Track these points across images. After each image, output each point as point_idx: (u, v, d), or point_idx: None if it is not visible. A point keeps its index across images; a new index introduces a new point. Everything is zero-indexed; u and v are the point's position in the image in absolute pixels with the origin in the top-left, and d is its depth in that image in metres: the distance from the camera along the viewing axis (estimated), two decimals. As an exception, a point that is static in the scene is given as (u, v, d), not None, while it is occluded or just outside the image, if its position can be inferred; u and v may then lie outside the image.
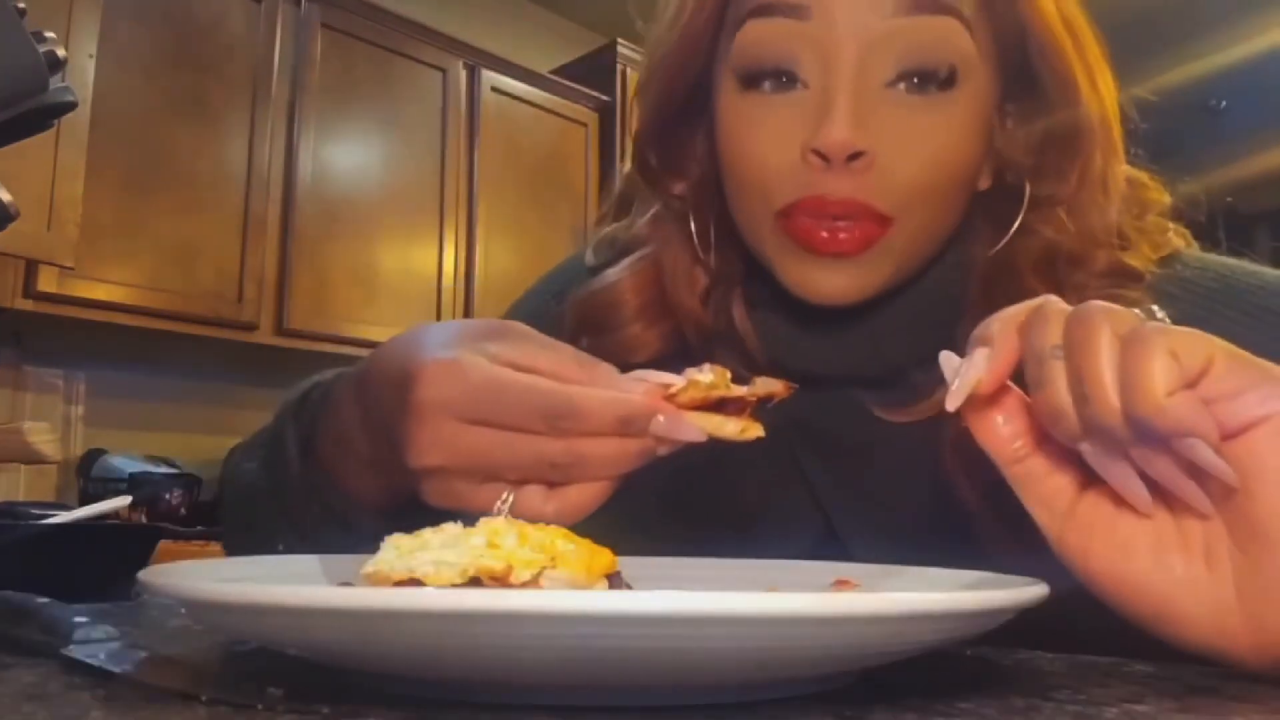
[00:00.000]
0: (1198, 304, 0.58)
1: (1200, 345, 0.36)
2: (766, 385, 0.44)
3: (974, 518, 0.55)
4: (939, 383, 0.60)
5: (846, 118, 0.54)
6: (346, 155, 2.95)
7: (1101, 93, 0.59)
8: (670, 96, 0.63)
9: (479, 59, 3.30)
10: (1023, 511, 0.54)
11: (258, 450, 0.61)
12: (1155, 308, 0.44)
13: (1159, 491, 0.38)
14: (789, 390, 0.45)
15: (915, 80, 0.55)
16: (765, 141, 0.57)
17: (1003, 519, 0.55)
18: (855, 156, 0.54)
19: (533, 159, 3.41)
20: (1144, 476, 0.38)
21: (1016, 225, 0.59)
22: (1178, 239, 0.62)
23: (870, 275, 0.57)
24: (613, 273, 0.67)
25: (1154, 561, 0.39)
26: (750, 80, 0.58)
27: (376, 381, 0.48)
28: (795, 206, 0.56)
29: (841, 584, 0.46)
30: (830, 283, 0.57)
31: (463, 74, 3.25)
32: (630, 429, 0.42)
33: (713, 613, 0.26)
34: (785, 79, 0.57)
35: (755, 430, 0.44)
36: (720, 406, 0.44)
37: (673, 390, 0.43)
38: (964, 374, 0.41)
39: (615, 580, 0.37)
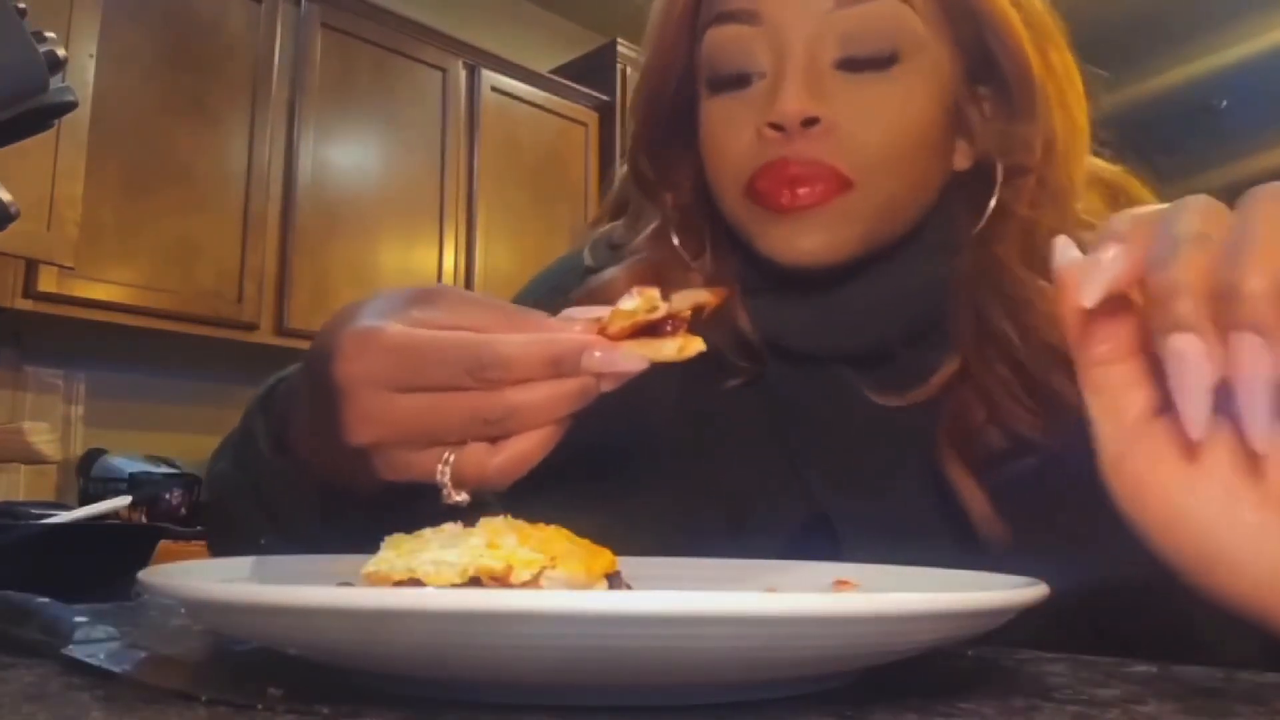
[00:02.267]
0: None
1: None
2: (694, 296, 0.43)
3: (967, 506, 0.56)
4: (927, 364, 0.61)
5: (797, 88, 0.57)
6: (346, 155, 2.95)
7: (1054, 65, 0.61)
8: (655, 107, 0.66)
9: (479, 59, 3.29)
10: (1018, 509, 0.54)
11: (229, 450, 0.61)
12: None
13: (1239, 440, 0.35)
14: (719, 297, 0.44)
15: (860, 62, 0.58)
16: (728, 132, 0.60)
17: (999, 513, 0.56)
18: (811, 123, 0.56)
19: (533, 159, 3.41)
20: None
21: (993, 205, 0.60)
22: None
23: (838, 233, 0.58)
24: (610, 271, 0.68)
25: (1220, 504, 0.36)
26: (715, 85, 0.61)
27: (312, 365, 0.47)
28: (759, 174, 0.58)
29: (841, 584, 0.46)
30: (800, 241, 0.58)
31: (463, 74, 3.25)
32: (562, 368, 0.41)
33: (713, 613, 0.26)
34: (745, 79, 0.60)
35: (695, 345, 0.43)
36: (656, 331, 0.43)
37: (603, 323, 0.42)
38: (1100, 268, 0.36)
39: (615, 580, 0.37)
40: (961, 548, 0.45)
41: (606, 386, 0.43)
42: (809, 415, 0.64)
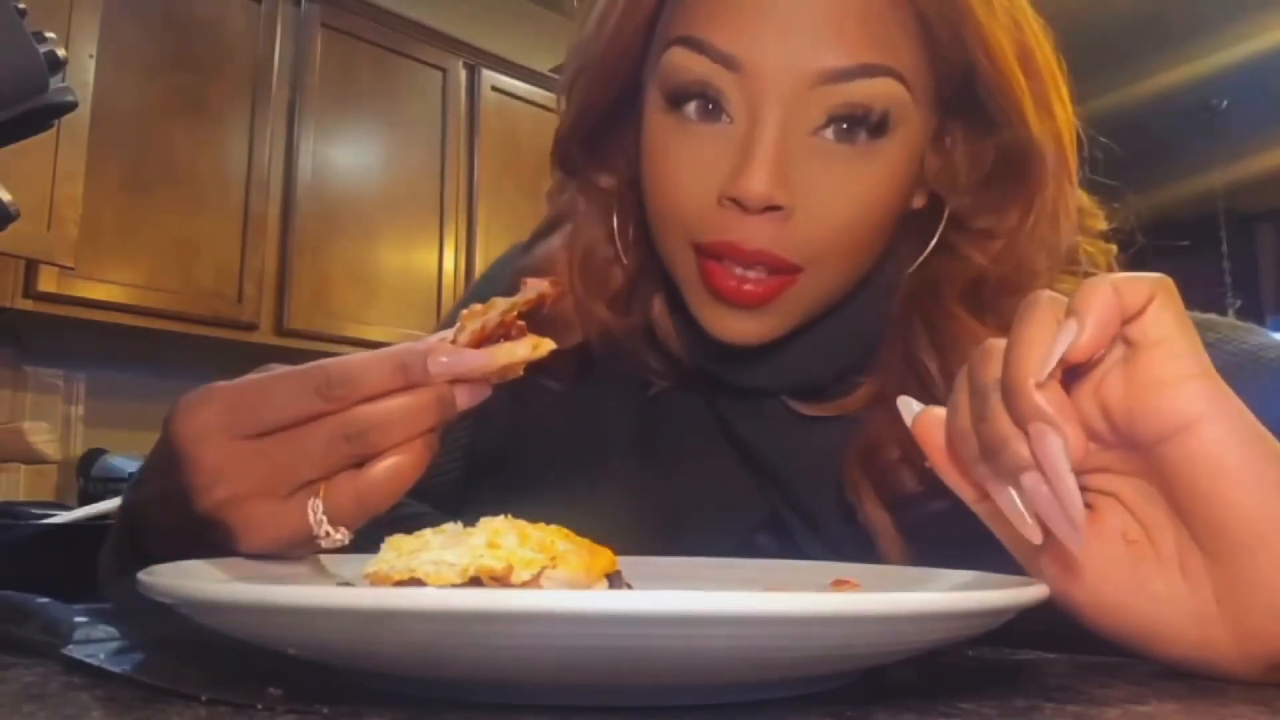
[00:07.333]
0: None
1: (1143, 283, 0.37)
2: (535, 287, 0.44)
3: (875, 538, 0.57)
4: (855, 389, 0.61)
5: (766, 169, 0.52)
6: (346, 155, 2.95)
7: (1057, 119, 0.57)
8: (596, 100, 0.62)
9: (479, 59, 3.30)
10: (927, 548, 0.55)
11: (112, 549, 0.56)
12: None
13: (1133, 513, 0.38)
14: (558, 287, 0.45)
15: (845, 126, 0.54)
16: (685, 174, 0.56)
17: (904, 534, 0.57)
18: (772, 210, 0.53)
19: (533, 158, 3.40)
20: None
21: (935, 244, 0.59)
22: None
23: (779, 322, 0.57)
24: (549, 242, 0.68)
25: (1131, 583, 0.38)
26: (675, 101, 0.56)
27: (155, 454, 0.46)
28: (711, 246, 0.55)
29: (841, 584, 0.46)
30: (739, 328, 0.56)
31: (463, 74, 3.25)
32: (410, 375, 0.41)
33: (713, 613, 0.26)
34: (710, 106, 0.55)
35: (547, 344, 0.43)
36: (506, 339, 0.43)
37: (451, 338, 0.42)
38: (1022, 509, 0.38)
39: (615, 580, 0.37)
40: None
41: (464, 401, 0.42)
42: (738, 433, 0.63)
